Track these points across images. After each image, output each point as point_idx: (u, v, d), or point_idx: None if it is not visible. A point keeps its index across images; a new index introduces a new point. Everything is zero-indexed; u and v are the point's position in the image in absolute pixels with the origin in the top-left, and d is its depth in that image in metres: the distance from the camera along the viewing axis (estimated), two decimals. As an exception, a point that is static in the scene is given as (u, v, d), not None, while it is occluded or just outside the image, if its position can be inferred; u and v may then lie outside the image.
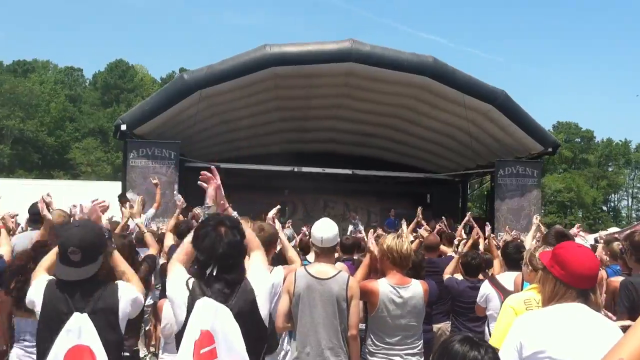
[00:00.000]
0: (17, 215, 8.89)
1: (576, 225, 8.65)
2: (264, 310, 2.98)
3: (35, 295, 3.18)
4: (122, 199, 10.12)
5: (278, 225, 5.35)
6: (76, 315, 3.00)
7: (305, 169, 18.77)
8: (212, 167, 3.45)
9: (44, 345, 3.05)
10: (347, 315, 4.25)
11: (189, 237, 3.20)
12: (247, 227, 3.34)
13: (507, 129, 16.52)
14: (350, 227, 19.13)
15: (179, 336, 2.84)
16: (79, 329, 2.96)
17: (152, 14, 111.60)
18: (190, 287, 2.91)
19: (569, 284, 2.60)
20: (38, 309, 3.16)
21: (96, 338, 2.99)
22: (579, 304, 2.58)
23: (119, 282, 3.30)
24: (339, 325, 4.22)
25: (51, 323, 3.05)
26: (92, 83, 70.13)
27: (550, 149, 16.79)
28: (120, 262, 3.53)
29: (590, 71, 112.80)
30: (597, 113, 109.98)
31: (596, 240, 10.44)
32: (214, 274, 2.89)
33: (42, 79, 63.26)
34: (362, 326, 4.61)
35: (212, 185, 3.30)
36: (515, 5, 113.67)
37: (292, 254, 4.94)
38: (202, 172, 3.33)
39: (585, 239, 9.63)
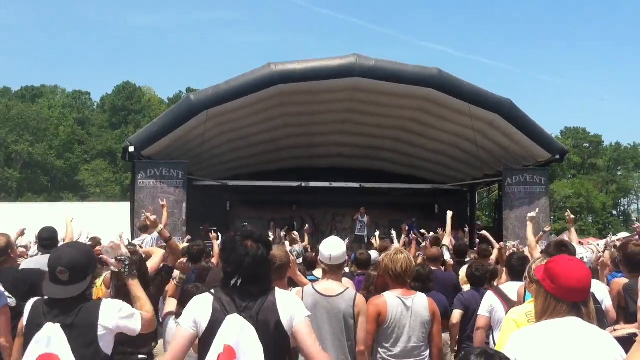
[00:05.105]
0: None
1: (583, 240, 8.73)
2: (286, 321, 3.01)
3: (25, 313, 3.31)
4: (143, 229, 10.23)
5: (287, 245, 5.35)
6: (47, 326, 3.09)
7: (312, 184, 18.85)
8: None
9: (20, 357, 3.19)
10: (355, 331, 4.30)
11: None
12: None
13: (514, 137, 16.47)
14: (357, 226, 19.20)
15: (202, 340, 2.93)
16: (48, 338, 3.05)
17: (157, 36, 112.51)
18: (213, 292, 3.04)
19: (559, 297, 2.61)
20: (23, 327, 3.29)
21: (66, 347, 3.06)
22: (572, 317, 2.60)
23: (105, 300, 3.39)
24: (346, 341, 4.26)
25: (29, 337, 3.15)
26: (100, 106, 70.66)
27: (557, 156, 16.68)
28: (136, 287, 3.61)
29: (596, 76, 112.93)
30: (604, 117, 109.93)
31: (606, 246, 10.42)
32: (238, 285, 2.99)
33: (50, 104, 63.79)
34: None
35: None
36: (520, 11, 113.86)
37: (300, 277, 4.96)
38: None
39: (590, 246, 9.62)
